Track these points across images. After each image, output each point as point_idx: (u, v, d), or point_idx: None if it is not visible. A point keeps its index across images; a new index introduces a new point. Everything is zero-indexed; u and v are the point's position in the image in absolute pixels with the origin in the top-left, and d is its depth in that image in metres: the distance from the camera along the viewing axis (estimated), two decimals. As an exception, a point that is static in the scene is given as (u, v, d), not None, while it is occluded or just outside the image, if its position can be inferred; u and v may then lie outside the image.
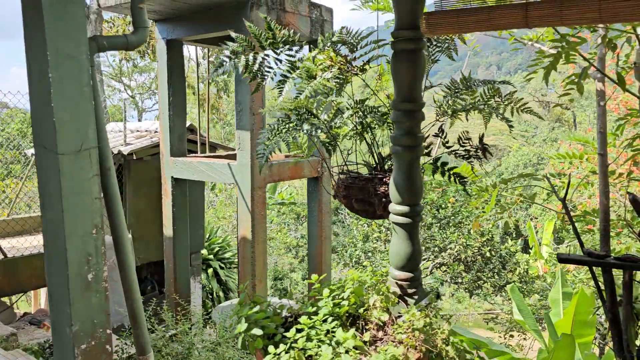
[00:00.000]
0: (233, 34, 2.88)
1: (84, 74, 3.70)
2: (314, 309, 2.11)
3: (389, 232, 11.10)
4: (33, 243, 7.48)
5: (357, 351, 1.84)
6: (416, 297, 2.23)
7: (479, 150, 2.78)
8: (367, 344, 1.98)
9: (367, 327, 2.11)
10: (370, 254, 11.57)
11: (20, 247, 7.23)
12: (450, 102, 2.71)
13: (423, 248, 10.59)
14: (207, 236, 11.79)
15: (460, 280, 9.98)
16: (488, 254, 9.82)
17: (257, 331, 1.99)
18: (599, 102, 3.18)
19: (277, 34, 2.67)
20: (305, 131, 2.38)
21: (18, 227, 8.37)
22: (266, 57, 2.58)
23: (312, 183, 7.91)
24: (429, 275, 10.41)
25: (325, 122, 2.47)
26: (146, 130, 8.85)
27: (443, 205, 9.64)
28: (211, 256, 11.62)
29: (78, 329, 3.79)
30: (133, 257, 4.37)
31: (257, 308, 2.25)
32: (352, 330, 1.92)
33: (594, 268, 3.18)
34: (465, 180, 2.85)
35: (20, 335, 6.40)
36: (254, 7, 6.37)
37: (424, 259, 10.36)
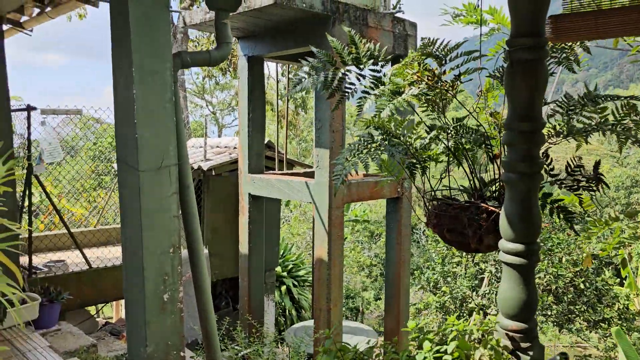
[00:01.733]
0: (314, 50, 2.68)
1: (167, 90, 3.65)
2: (410, 362, 1.80)
3: (468, 255, 10.51)
4: (116, 254, 7.68)
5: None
6: (531, 352, 1.87)
7: (591, 181, 2.37)
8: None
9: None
10: (449, 279, 11.02)
11: (104, 257, 7.43)
12: (566, 120, 2.34)
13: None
14: (281, 253, 11.72)
15: (549, 313, 9.20)
16: (582, 286, 9.01)
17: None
18: None
19: (361, 49, 2.43)
20: (388, 152, 2.11)
21: (103, 238, 8.67)
22: (347, 73, 2.35)
23: (391, 204, 7.57)
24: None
25: (408, 143, 2.18)
26: (225, 147, 8.93)
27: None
28: (285, 273, 11.53)
29: (152, 350, 3.69)
30: (208, 277, 4.25)
31: None
32: None
33: None
34: (573, 216, 2.44)
35: (100, 346, 6.52)
36: (336, 22, 6.21)
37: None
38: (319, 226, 6.42)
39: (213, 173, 8.14)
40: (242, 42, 7.21)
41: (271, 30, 6.76)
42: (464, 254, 10.58)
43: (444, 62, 2.52)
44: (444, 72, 2.50)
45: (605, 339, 9.43)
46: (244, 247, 7.45)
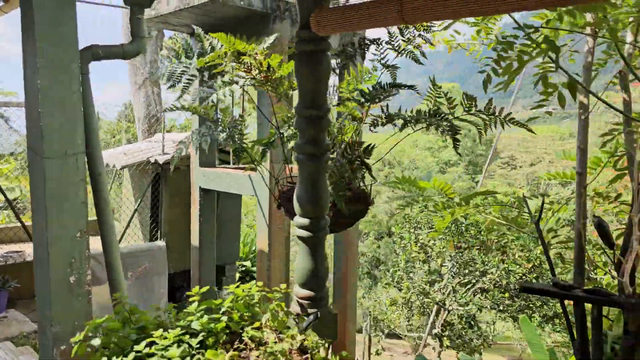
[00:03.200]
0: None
1: (74, 81, 3.84)
2: (186, 322, 1.98)
3: (431, 251, 10.67)
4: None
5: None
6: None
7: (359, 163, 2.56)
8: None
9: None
10: (412, 274, 11.18)
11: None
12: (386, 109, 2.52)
13: (467, 271, 10.05)
14: (253, 248, 11.89)
15: (502, 308, 9.35)
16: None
17: (95, 341, 1.86)
18: (580, 116, 2.83)
19: (205, 45, 2.61)
20: (211, 137, 2.30)
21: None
22: (188, 67, 2.53)
23: (339, 198, 7.73)
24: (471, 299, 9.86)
25: (231, 128, 2.36)
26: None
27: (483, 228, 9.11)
28: (254, 268, 11.71)
29: (58, 330, 3.89)
30: (119, 261, 4.43)
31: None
32: (225, 351, 1.78)
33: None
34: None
35: (47, 332, 6.72)
36: (276, 20, 6.40)
37: (465, 282, 9.83)
38: (260, 219, 6.61)
39: (171, 167, 8.31)
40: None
41: (218, 27, 6.95)
42: (428, 250, 10.73)
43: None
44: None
45: (555, 332, 9.59)
46: (195, 240, 7.64)
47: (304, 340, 1.80)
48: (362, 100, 2.32)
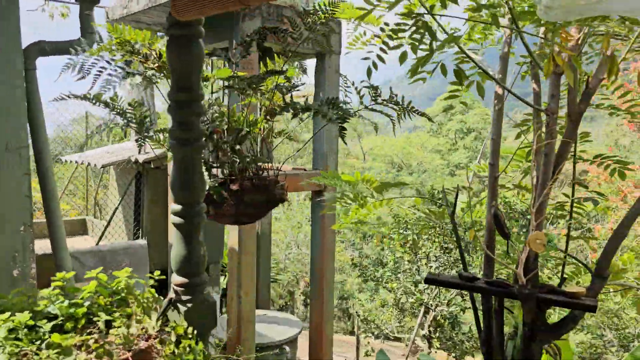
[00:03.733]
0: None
1: (18, 77, 3.88)
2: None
3: (418, 250, 10.57)
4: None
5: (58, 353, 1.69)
6: (190, 304, 2.03)
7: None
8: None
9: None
10: (399, 275, 11.12)
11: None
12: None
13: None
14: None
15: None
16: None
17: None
18: (495, 107, 2.78)
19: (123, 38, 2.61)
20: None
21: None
22: (98, 59, 2.53)
23: (316, 196, 7.73)
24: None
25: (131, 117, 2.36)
26: (167, 141, 9.16)
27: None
28: (243, 268, 11.73)
29: (1, 321, 3.92)
30: (67, 253, 4.46)
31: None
32: (80, 335, 1.77)
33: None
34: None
35: None
36: (246, 17, 6.40)
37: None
38: (231, 216, 6.61)
39: (152, 166, 8.37)
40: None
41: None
42: (418, 250, 10.64)
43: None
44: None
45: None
46: (172, 238, 7.67)
47: (165, 326, 1.78)
48: (243, 88, 2.31)
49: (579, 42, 2.29)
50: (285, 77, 2.58)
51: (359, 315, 11.86)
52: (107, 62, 2.53)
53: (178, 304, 2.04)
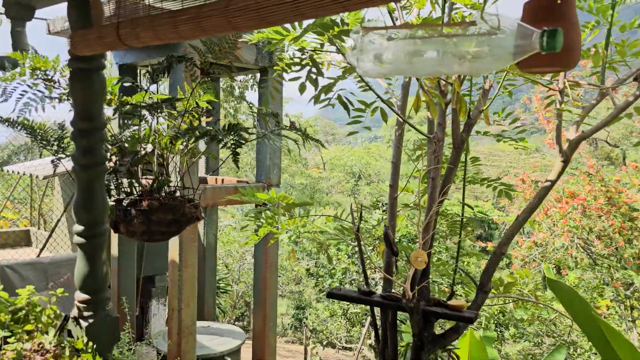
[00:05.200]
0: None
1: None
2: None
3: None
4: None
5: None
6: (92, 320, 2.15)
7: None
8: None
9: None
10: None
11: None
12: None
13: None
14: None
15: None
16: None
17: None
18: (395, 132, 3.01)
19: (34, 62, 2.71)
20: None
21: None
22: (21, 83, 2.61)
23: (258, 208, 7.86)
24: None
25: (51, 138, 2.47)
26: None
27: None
28: (193, 279, 11.71)
29: None
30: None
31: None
32: None
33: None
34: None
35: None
36: (189, 34, 6.52)
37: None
38: (173, 229, 6.67)
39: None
40: (115, 51, 7.48)
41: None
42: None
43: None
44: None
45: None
46: (114, 249, 7.65)
47: (61, 343, 1.90)
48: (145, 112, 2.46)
49: (459, 78, 2.54)
50: (196, 102, 2.73)
51: (306, 326, 12.01)
52: (29, 85, 2.63)
53: (80, 320, 2.15)
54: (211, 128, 2.47)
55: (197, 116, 2.79)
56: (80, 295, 2.22)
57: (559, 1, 1.33)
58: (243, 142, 2.36)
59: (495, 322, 9.50)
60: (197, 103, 2.73)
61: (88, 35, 1.83)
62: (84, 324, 2.15)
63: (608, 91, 2.61)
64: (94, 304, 2.19)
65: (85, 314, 2.17)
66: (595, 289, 7.39)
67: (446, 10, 2.78)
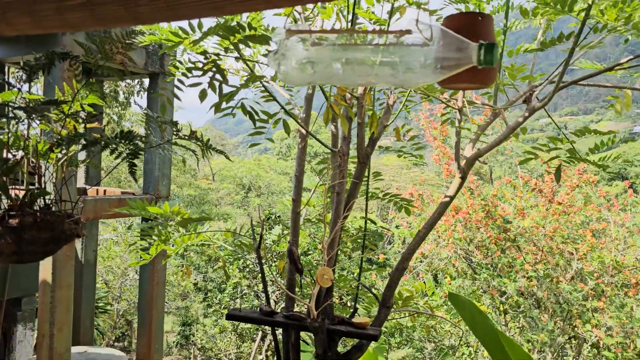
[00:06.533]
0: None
1: None
2: None
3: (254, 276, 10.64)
4: None
5: None
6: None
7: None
8: None
9: None
10: (238, 299, 11.07)
11: None
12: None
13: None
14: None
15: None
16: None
17: None
18: (299, 145, 2.93)
19: None
20: None
21: None
22: None
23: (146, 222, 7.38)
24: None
25: None
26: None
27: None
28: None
29: None
30: None
31: None
32: None
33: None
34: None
35: None
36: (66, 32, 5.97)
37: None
38: (45, 245, 6.01)
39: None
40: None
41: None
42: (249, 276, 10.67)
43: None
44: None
45: None
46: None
47: None
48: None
49: (365, 91, 2.52)
50: (81, 105, 2.44)
51: (194, 343, 11.52)
52: None
53: None
54: (99, 136, 2.20)
55: (80, 121, 2.49)
56: None
57: (480, 17, 1.33)
58: (140, 152, 2.13)
59: (384, 330, 9.79)
60: (82, 106, 2.43)
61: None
62: None
63: (500, 111, 2.74)
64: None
65: None
66: (472, 294, 7.88)
67: (349, 24, 2.77)
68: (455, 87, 1.43)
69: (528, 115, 2.63)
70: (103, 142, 2.12)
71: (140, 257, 3.03)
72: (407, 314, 3.46)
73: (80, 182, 7.40)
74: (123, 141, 2.13)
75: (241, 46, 2.47)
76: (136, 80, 11.30)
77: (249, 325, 10.07)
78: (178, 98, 2.28)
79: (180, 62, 2.76)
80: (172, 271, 14.10)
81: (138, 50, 6.81)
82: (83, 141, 2.21)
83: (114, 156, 1.97)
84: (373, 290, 3.23)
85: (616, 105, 2.72)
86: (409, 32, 1.03)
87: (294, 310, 2.75)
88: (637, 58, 2.62)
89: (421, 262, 7.97)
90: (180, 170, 27.00)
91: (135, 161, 2.13)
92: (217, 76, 2.26)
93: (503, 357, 2.21)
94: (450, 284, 7.47)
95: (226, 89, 2.60)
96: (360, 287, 2.86)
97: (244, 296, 10.65)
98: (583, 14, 2.32)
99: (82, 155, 4.88)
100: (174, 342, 15.52)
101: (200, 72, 2.26)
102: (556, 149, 2.71)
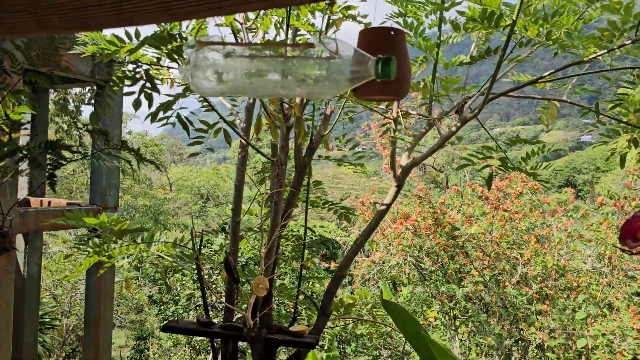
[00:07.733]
0: None
1: None
2: None
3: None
4: None
5: None
6: None
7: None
8: None
9: None
10: (192, 311, 10.88)
11: None
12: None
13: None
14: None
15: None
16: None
17: None
18: (239, 154, 2.94)
19: None
20: None
21: None
22: None
23: (91, 232, 7.17)
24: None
25: None
26: None
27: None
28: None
29: None
30: None
31: None
32: None
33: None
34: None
35: None
36: (9, 37, 5.79)
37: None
38: (-17, 259, 5.76)
39: None
40: None
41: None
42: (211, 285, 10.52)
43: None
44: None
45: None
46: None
47: None
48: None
49: (302, 102, 2.56)
50: (6, 114, 2.37)
51: (148, 358, 11.24)
52: None
53: None
54: (19, 146, 2.14)
55: (7, 130, 2.42)
56: None
57: (392, 32, 1.38)
58: (63, 162, 2.09)
59: (338, 339, 9.82)
60: (7, 115, 2.37)
61: None
62: None
63: (434, 121, 2.83)
64: None
65: None
66: (425, 302, 8.02)
67: (289, 35, 2.81)
68: (370, 99, 1.47)
69: (460, 125, 2.73)
70: (23, 153, 2.07)
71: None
72: (349, 322, 3.49)
73: (23, 193, 7.14)
74: (47, 151, 2.09)
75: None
76: (87, 88, 11.04)
77: (202, 337, 9.91)
78: (111, 107, 2.24)
79: (124, 72, 2.73)
80: (124, 285, 13.75)
81: (86, 58, 6.66)
82: (5, 150, 2.15)
83: (34, 166, 1.92)
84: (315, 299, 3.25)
85: (542, 117, 2.85)
86: (311, 45, 1.07)
87: (234, 320, 2.74)
88: (561, 70, 2.75)
89: (379, 270, 8.07)
90: (135, 180, 26.41)
91: (86, 171, 2.09)
92: (149, 85, 2.24)
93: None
94: (400, 290, 7.59)
95: (165, 98, 2.59)
96: (299, 295, 2.88)
97: (198, 307, 10.48)
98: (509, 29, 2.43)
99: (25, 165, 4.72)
100: (128, 357, 15.12)
101: (131, 82, 2.24)
102: (490, 157, 2.81)
